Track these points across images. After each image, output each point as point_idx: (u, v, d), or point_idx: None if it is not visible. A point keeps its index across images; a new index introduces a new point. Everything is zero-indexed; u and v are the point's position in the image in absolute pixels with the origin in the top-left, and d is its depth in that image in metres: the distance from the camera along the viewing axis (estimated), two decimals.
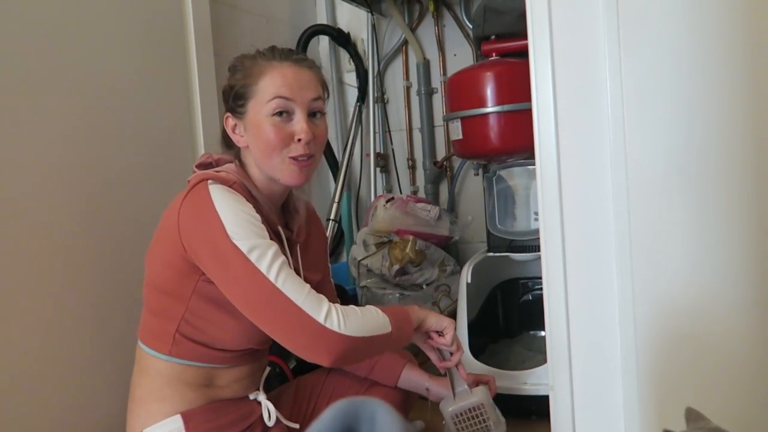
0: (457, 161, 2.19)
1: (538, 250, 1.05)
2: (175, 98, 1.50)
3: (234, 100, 1.05)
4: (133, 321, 1.29)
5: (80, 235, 1.22)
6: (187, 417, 1.01)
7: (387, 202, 1.98)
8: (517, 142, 1.61)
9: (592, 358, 1.02)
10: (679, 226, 0.94)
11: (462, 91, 1.69)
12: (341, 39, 2.25)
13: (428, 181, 2.24)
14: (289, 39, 2.13)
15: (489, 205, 1.69)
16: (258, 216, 0.98)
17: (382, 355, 1.25)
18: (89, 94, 1.26)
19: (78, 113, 1.23)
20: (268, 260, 0.92)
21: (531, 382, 1.44)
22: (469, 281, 1.62)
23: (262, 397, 1.11)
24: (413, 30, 2.23)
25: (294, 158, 1.02)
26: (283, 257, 0.95)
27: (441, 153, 2.24)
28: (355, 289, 1.97)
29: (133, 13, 1.39)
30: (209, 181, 0.99)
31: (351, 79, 2.34)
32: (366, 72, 2.27)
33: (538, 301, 1.17)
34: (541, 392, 1.36)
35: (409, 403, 1.29)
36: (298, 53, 1.08)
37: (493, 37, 1.72)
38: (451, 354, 1.13)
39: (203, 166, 1.07)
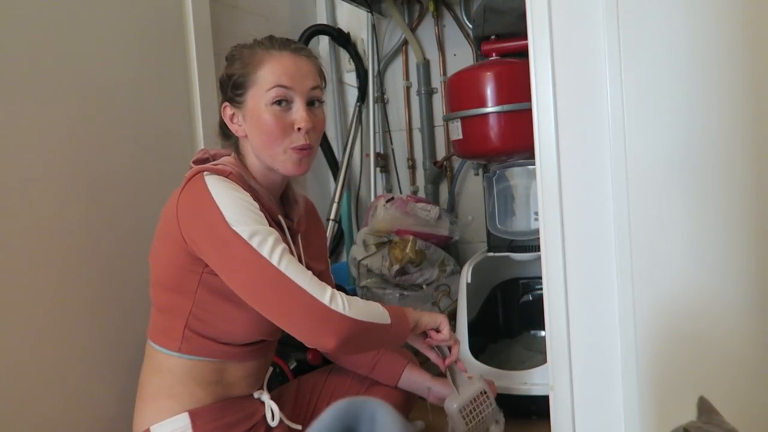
0: (457, 161, 2.19)
1: (538, 250, 1.05)
2: (175, 98, 1.50)
3: (233, 89, 1.04)
4: (133, 318, 1.29)
5: (79, 233, 1.22)
6: (194, 415, 1.01)
7: (387, 202, 1.98)
8: (517, 142, 1.61)
9: (592, 358, 1.02)
10: (679, 225, 0.94)
11: (462, 91, 1.69)
12: (341, 39, 2.25)
13: (428, 181, 2.24)
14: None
15: (489, 205, 1.69)
16: (256, 204, 0.98)
17: (383, 353, 1.25)
18: (89, 94, 1.26)
19: (78, 113, 1.23)
20: (269, 245, 0.92)
21: (531, 382, 1.44)
22: (469, 281, 1.62)
23: (265, 397, 1.11)
24: (413, 30, 2.23)
25: (295, 149, 1.02)
26: (284, 244, 0.95)
27: (441, 153, 2.24)
28: (355, 289, 1.97)
29: (133, 12, 1.38)
30: (205, 173, 1.00)
31: (351, 79, 2.34)
32: (366, 72, 2.27)
33: (538, 301, 1.17)
34: (541, 392, 1.36)
35: (409, 403, 1.29)
36: (296, 43, 1.08)
37: (493, 37, 1.73)
38: (450, 349, 1.13)
39: (200, 161, 1.07)
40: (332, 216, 2.13)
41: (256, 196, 1.02)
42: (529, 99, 1.03)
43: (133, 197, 1.34)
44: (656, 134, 0.94)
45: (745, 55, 0.90)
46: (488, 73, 1.63)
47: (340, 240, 2.28)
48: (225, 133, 1.10)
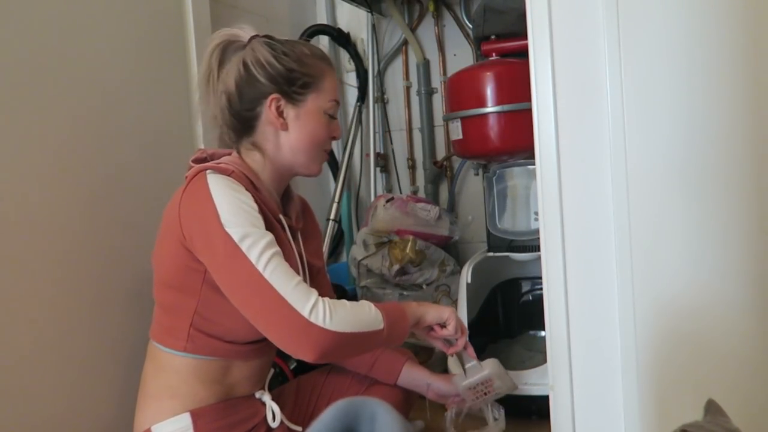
0: (457, 161, 2.19)
1: (538, 250, 1.05)
2: (175, 98, 1.50)
3: (291, 84, 1.06)
4: (132, 318, 1.29)
5: (78, 233, 1.22)
6: (195, 415, 1.01)
7: (387, 202, 1.98)
8: (517, 142, 1.61)
9: (592, 358, 1.02)
10: (679, 225, 0.94)
11: (462, 91, 1.69)
12: (341, 39, 2.25)
13: (428, 181, 2.24)
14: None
15: (489, 205, 1.69)
16: (255, 206, 0.98)
17: (382, 352, 1.26)
18: (89, 95, 1.26)
19: (77, 113, 1.23)
20: (258, 249, 0.92)
21: (531, 382, 1.44)
22: (469, 281, 1.62)
23: (267, 398, 1.12)
24: (413, 30, 2.23)
25: (325, 152, 1.13)
26: (276, 248, 0.95)
27: (441, 153, 2.24)
28: (355, 289, 1.97)
29: (133, 13, 1.38)
30: (208, 171, 1.00)
31: (351, 79, 2.34)
32: (366, 72, 2.27)
33: (538, 301, 1.17)
34: (541, 392, 1.36)
35: (409, 403, 1.29)
36: None
37: (493, 37, 1.72)
38: (457, 340, 1.14)
39: (198, 161, 1.07)
40: (332, 216, 2.13)
41: (258, 196, 1.03)
42: (529, 99, 1.03)
43: (132, 197, 1.34)
44: (656, 134, 0.94)
45: (745, 55, 0.90)
46: (488, 73, 1.62)
47: (340, 240, 2.28)
48: (242, 123, 1.08)
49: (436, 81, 2.22)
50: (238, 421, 1.06)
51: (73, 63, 1.23)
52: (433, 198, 2.23)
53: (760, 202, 0.90)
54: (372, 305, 0.99)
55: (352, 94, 2.34)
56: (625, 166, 0.96)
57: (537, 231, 1.05)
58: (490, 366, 1.20)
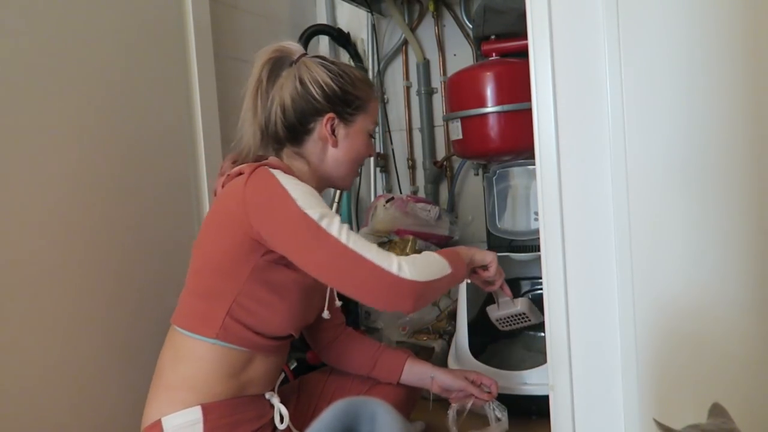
0: (457, 161, 2.19)
1: (538, 250, 1.05)
2: (175, 98, 1.50)
3: (346, 106, 1.14)
4: (134, 318, 1.30)
5: (81, 234, 1.22)
6: (206, 409, 1.02)
7: (387, 202, 1.98)
8: (517, 142, 1.61)
9: (592, 358, 1.02)
10: (679, 225, 0.94)
11: (462, 91, 1.69)
12: (341, 39, 2.24)
13: (428, 181, 2.24)
14: (289, 39, 2.12)
15: (489, 205, 1.69)
16: (315, 191, 1.05)
17: (381, 352, 1.27)
18: (88, 95, 1.26)
19: (77, 113, 1.23)
20: (337, 225, 0.99)
21: (531, 382, 1.44)
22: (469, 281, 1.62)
23: (275, 400, 1.13)
24: (413, 30, 2.23)
25: (360, 168, 1.24)
26: (347, 223, 1.03)
27: (441, 153, 2.24)
28: None
29: (133, 13, 1.38)
30: (266, 167, 1.05)
31: None
32: (366, 72, 2.27)
33: (538, 301, 1.17)
34: (541, 392, 1.36)
35: (410, 403, 1.30)
36: None
37: (493, 37, 1.72)
38: (495, 281, 1.22)
39: (235, 163, 1.13)
40: None
41: None
42: (529, 99, 1.03)
43: (132, 197, 1.34)
44: (656, 134, 0.94)
45: (745, 55, 0.90)
46: (488, 73, 1.62)
47: None
48: (293, 134, 1.13)
49: (436, 81, 2.22)
50: (246, 420, 1.06)
51: (71, 64, 1.23)
52: (433, 198, 2.23)
53: (760, 202, 0.90)
54: (435, 254, 1.08)
55: None
56: (625, 166, 0.96)
57: (537, 231, 1.05)
58: (521, 303, 1.30)
